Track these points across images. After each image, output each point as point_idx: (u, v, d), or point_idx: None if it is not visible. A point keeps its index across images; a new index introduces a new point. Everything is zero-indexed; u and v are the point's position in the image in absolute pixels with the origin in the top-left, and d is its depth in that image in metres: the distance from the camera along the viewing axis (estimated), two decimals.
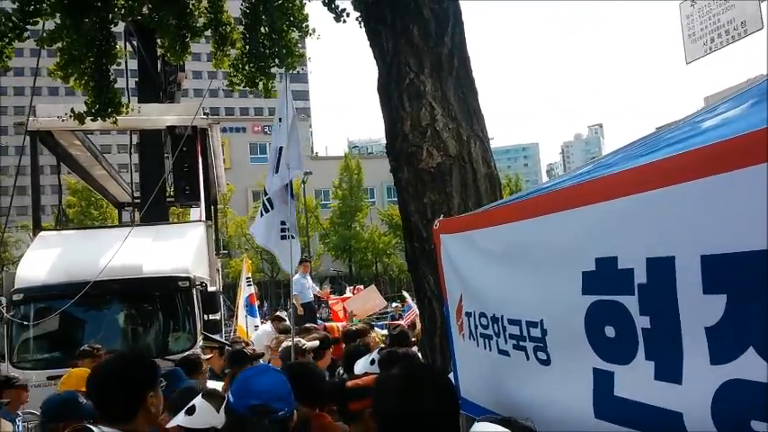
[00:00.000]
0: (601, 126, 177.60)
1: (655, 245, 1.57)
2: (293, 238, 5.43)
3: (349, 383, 2.84)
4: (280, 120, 5.20)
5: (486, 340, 2.30)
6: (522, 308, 2.07)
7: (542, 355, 1.99)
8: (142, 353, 6.49)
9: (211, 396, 2.68)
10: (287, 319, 10.33)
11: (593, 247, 1.78)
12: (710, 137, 1.54)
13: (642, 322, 1.61)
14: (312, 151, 68.88)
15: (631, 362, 1.66)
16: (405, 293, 11.55)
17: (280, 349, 5.18)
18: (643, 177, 1.61)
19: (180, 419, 2.51)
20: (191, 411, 2.49)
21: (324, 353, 5.15)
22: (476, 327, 2.38)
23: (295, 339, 5.06)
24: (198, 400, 2.56)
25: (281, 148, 5.21)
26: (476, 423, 1.69)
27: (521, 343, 2.08)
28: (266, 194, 5.47)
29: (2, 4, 6.44)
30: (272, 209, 5.45)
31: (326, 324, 9.68)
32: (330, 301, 13.49)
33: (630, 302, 1.64)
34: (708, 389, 1.39)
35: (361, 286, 16.72)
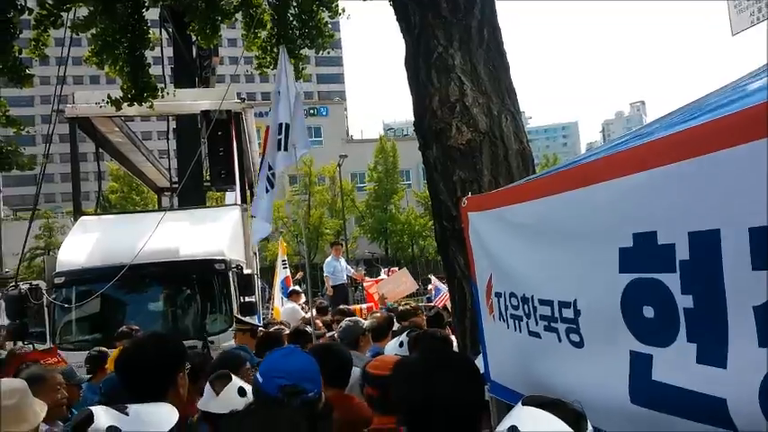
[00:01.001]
0: (643, 103, 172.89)
1: (697, 218, 1.44)
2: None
3: (379, 371, 2.78)
4: (279, 92, 5.13)
5: (517, 321, 2.20)
6: (553, 287, 1.97)
7: (575, 337, 1.89)
8: (172, 334, 6.60)
9: (216, 378, 2.67)
10: (302, 293, 10.40)
11: (629, 221, 1.66)
12: (756, 99, 1.40)
13: (684, 302, 1.49)
14: (347, 134, 68.92)
15: (672, 344, 1.54)
16: (431, 277, 11.44)
17: (340, 328, 5.19)
18: (682, 144, 1.48)
19: (203, 404, 2.50)
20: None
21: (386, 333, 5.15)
22: (506, 307, 2.28)
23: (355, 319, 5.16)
24: (206, 387, 2.54)
25: (285, 125, 5.17)
26: (519, 405, 1.60)
27: (552, 324, 1.98)
28: (271, 169, 5.42)
29: None
30: (272, 188, 5.47)
31: (352, 307, 9.70)
32: (365, 284, 13.51)
33: (671, 280, 1.52)
34: (755, 374, 1.28)
35: (396, 268, 16.71)
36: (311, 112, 64.28)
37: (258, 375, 2.25)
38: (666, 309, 1.55)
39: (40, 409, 2.75)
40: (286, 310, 10.87)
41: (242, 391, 2.82)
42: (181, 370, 2.41)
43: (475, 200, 2.61)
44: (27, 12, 5.93)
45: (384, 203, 48.38)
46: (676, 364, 1.52)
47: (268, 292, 15.84)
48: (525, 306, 2.11)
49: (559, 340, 1.95)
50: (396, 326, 5.62)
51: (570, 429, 1.48)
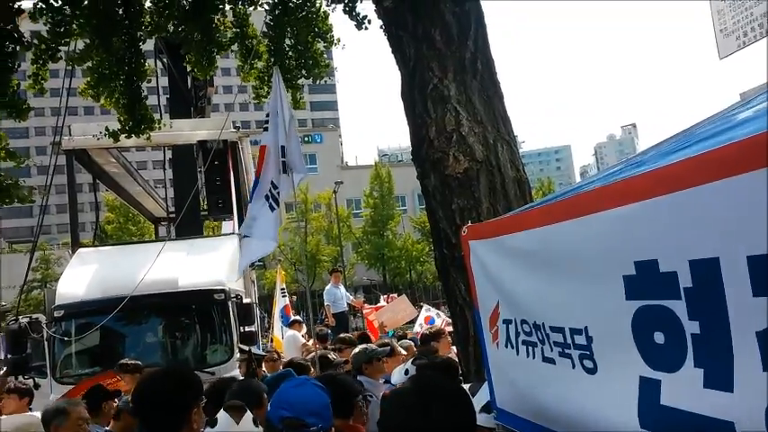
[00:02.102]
0: (634, 126, 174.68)
1: (696, 246, 1.48)
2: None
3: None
4: (276, 113, 5.15)
5: (530, 347, 2.22)
6: (563, 315, 2.00)
7: (589, 363, 1.91)
8: (188, 368, 6.60)
9: (233, 408, 2.67)
10: (304, 323, 10.38)
11: (630, 250, 1.70)
12: (747, 130, 1.45)
13: (691, 327, 1.53)
14: (342, 161, 69.23)
15: (679, 369, 1.57)
16: (423, 305, 11.40)
17: (352, 354, 5.17)
18: (678, 175, 1.52)
19: None
20: (213, 424, 2.48)
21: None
22: (517, 334, 2.30)
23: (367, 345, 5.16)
24: (221, 414, 2.54)
25: (283, 147, 5.18)
26: None
27: (566, 350, 2.00)
28: (276, 188, 5.39)
29: (32, 27, 6.63)
30: (278, 207, 5.46)
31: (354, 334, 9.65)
32: (365, 311, 13.46)
33: (678, 307, 1.55)
34: (761, 396, 1.31)
35: (395, 295, 16.64)
36: (305, 139, 64.65)
37: (269, 405, 2.25)
38: (675, 334, 1.58)
39: None
40: (287, 338, 10.82)
41: (255, 422, 2.83)
42: (197, 405, 2.41)
43: (476, 228, 2.65)
44: (25, 46, 6.03)
45: (380, 229, 48.43)
46: (684, 389, 1.55)
47: (267, 322, 15.77)
48: (538, 333, 2.14)
49: (573, 366, 1.98)
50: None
51: None
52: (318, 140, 65.04)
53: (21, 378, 8.21)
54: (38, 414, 3.58)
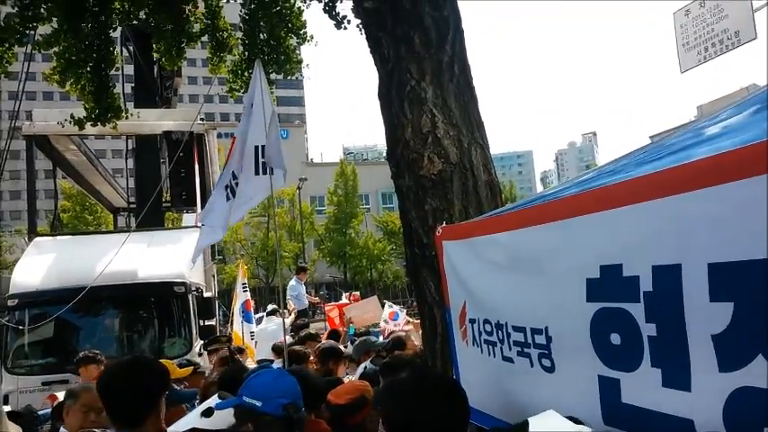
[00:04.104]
0: (594, 134, 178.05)
1: (660, 252, 1.58)
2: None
3: (337, 399, 2.87)
4: (252, 106, 5.08)
5: (491, 347, 2.30)
6: (526, 315, 2.08)
7: (547, 362, 2.00)
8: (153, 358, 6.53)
9: (225, 396, 2.67)
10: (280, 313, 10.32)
11: (597, 254, 1.79)
12: (713, 145, 1.56)
13: (648, 330, 1.62)
14: (307, 158, 68.93)
15: (637, 369, 1.67)
16: (386, 302, 11.51)
17: (356, 344, 5.33)
18: (649, 186, 1.62)
19: (194, 422, 2.49)
20: (208, 413, 2.48)
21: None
22: (479, 333, 2.38)
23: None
24: (215, 401, 2.54)
25: (261, 147, 5.09)
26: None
27: (525, 350, 2.08)
28: (235, 179, 5.34)
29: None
30: (234, 197, 5.41)
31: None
32: (326, 308, 13.45)
33: (636, 310, 1.65)
34: (718, 396, 1.40)
35: (357, 293, 16.70)
36: None
37: (252, 401, 2.26)
38: (631, 336, 1.67)
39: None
40: (266, 330, 10.70)
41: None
42: (163, 394, 2.42)
43: (449, 229, 2.72)
44: None
45: (343, 227, 48.37)
46: (643, 388, 1.64)
47: (224, 316, 15.60)
48: (499, 332, 2.21)
49: (531, 365, 2.06)
50: None
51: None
52: (284, 136, 64.26)
53: None
54: None
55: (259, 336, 9.97)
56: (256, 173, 5.19)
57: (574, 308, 1.84)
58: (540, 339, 2.00)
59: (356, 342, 5.28)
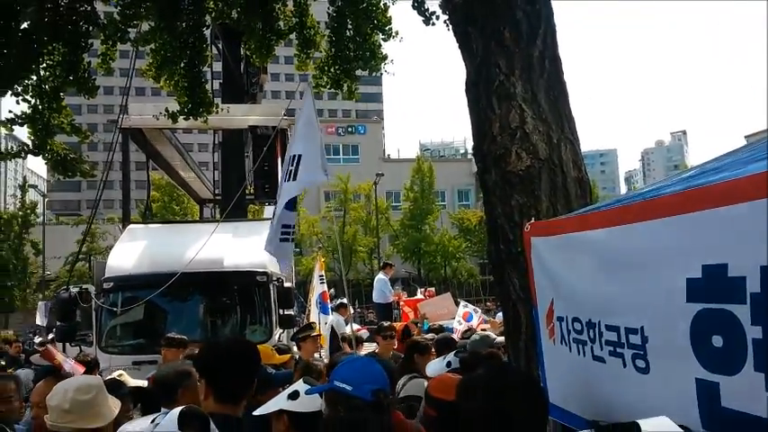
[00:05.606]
0: (684, 133, 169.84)
1: None
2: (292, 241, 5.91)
3: (446, 395, 2.87)
4: (285, 115, 5.40)
5: (580, 345, 2.26)
6: (620, 314, 2.03)
7: (641, 363, 1.95)
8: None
9: (311, 382, 2.76)
10: (348, 305, 10.55)
11: (699, 253, 1.73)
12: None
13: (753, 332, 1.56)
14: (384, 153, 69.36)
15: (738, 373, 1.61)
16: (461, 302, 11.48)
17: (471, 340, 5.58)
18: (757, 185, 1.55)
19: (282, 404, 2.59)
20: (294, 396, 2.58)
21: None
22: (568, 331, 2.34)
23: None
24: (300, 385, 2.63)
25: (297, 156, 5.41)
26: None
27: (618, 350, 2.04)
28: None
29: (104, 8, 6.89)
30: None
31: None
32: (401, 302, 13.56)
33: (741, 312, 1.58)
34: None
35: (432, 289, 16.75)
36: (349, 129, 64.96)
37: (342, 384, 2.35)
38: (735, 338, 1.61)
39: (115, 406, 2.88)
40: (331, 323, 10.99)
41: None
42: (256, 374, 2.55)
43: (538, 225, 2.69)
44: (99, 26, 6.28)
45: (418, 223, 48.39)
46: (745, 392, 1.58)
47: (301, 306, 15.96)
48: (591, 331, 2.17)
49: (624, 365, 2.01)
50: None
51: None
52: (362, 132, 65.28)
53: (68, 345, 8.56)
54: (99, 377, 3.72)
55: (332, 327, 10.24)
56: (287, 179, 5.50)
57: (673, 308, 1.79)
58: (635, 339, 1.95)
59: (474, 339, 5.43)
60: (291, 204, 5.69)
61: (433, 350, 5.19)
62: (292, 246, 6.15)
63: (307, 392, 2.54)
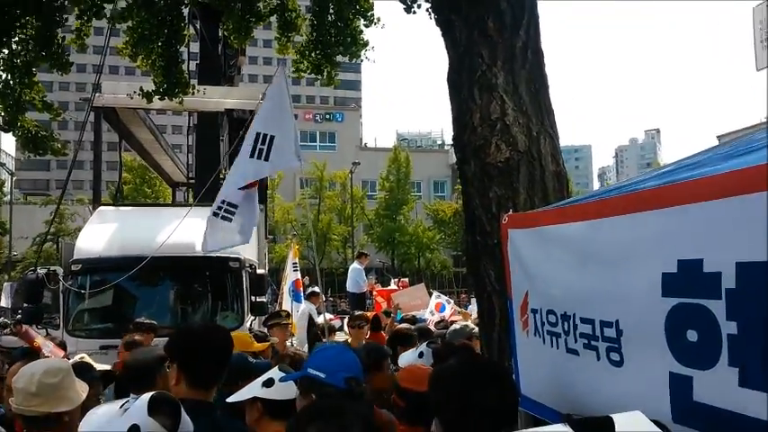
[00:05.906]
0: (658, 131, 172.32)
1: (746, 249, 1.52)
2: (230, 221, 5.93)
3: (417, 386, 2.86)
4: (262, 99, 5.38)
5: (554, 338, 2.27)
6: (595, 307, 2.04)
7: (615, 356, 1.96)
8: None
9: (286, 370, 2.74)
10: (321, 294, 10.54)
11: (675, 248, 1.74)
12: None
13: (728, 328, 1.57)
14: (361, 142, 69.15)
15: (712, 368, 1.62)
16: (434, 293, 11.57)
17: (450, 331, 5.61)
18: (739, 181, 1.55)
19: (255, 392, 2.57)
20: (269, 384, 2.55)
21: None
22: (542, 324, 2.35)
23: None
24: (275, 373, 2.61)
25: (269, 137, 5.37)
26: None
27: (592, 342, 2.05)
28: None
29: None
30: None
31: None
32: (374, 292, 13.58)
33: (717, 307, 1.59)
34: None
35: (406, 279, 16.79)
36: (326, 117, 64.53)
37: (316, 372, 2.33)
38: (709, 333, 1.62)
39: (83, 390, 2.82)
40: (302, 312, 10.94)
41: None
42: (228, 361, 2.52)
43: (516, 217, 2.69)
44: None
45: (393, 213, 48.45)
46: (718, 387, 1.59)
47: (273, 293, 15.87)
48: (565, 323, 2.18)
49: (598, 358, 2.02)
50: None
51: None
52: (339, 119, 64.93)
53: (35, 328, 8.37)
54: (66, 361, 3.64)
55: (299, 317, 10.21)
56: (251, 156, 5.45)
57: (648, 302, 1.80)
58: (610, 333, 1.96)
59: (455, 329, 5.45)
60: (250, 185, 5.65)
61: (417, 341, 5.20)
62: (235, 228, 6.08)
63: (281, 380, 2.52)
